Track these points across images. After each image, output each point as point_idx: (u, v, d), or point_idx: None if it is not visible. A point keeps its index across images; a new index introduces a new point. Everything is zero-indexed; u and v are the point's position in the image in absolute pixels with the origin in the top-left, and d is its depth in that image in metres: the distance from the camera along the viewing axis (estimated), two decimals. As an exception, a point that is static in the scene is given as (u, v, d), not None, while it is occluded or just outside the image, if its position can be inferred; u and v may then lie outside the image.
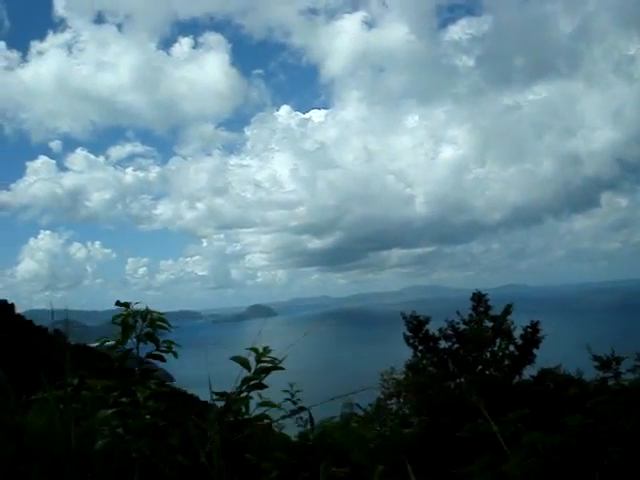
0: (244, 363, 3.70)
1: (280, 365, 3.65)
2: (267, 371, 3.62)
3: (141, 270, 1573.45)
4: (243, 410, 3.49)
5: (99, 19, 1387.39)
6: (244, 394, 3.52)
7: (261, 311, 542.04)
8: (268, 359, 3.64)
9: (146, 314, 3.94)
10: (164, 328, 4.02)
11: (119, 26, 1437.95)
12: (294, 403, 7.59)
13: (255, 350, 3.64)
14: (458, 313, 15.66)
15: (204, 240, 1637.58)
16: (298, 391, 7.36)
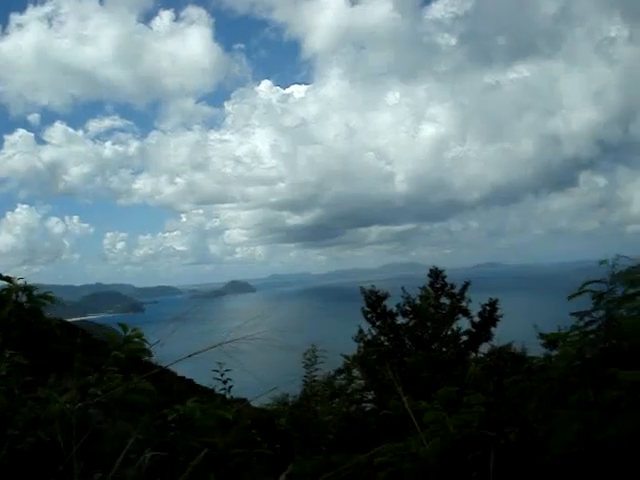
0: (112, 338, 3.52)
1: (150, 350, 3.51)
2: (132, 353, 3.46)
3: (119, 245, 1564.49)
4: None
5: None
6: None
7: (239, 287, 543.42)
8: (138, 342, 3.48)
9: (28, 289, 3.79)
10: (44, 304, 3.87)
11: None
12: (224, 382, 7.37)
13: (124, 328, 3.45)
14: (422, 288, 15.56)
15: (183, 215, 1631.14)
16: (228, 370, 7.15)
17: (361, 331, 14.10)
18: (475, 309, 16.00)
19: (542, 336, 9.65)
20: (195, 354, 3.52)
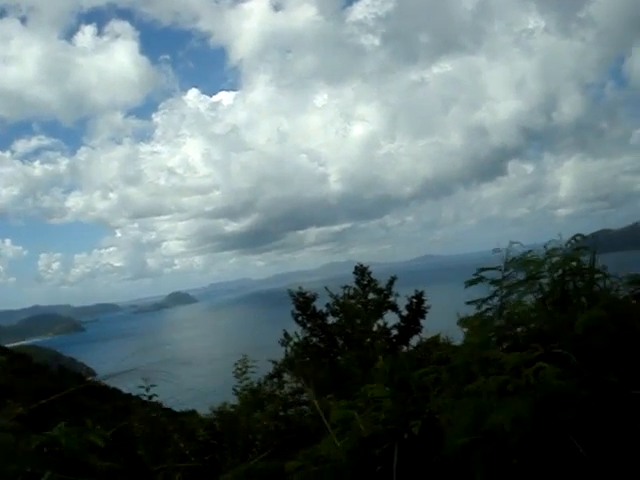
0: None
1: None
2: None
3: (55, 265, 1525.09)
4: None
5: (1, 13, 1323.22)
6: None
7: (180, 298, 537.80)
8: None
9: None
10: None
11: (22, 19, 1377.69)
12: (149, 398, 7.16)
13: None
14: (344, 288, 15.55)
15: (118, 230, 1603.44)
16: (154, 385, 6.93)
17: (286, 334, 14.02)
18: (405, 303, 16.12)
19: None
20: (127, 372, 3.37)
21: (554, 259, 4.79)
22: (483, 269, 4.53)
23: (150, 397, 7.66)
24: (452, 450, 3.49)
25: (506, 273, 4.50)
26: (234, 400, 9.78)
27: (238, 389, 9.40)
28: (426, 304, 15.99)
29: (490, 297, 4.48)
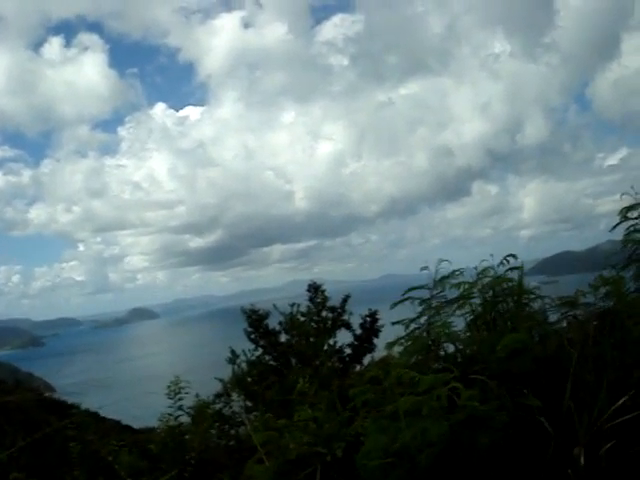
0: None
1: None
2: None
3: (15, 278, 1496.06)
4: None
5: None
6: None
7: (142, 314, 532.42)
8: None
9: None
10: None
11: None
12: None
13: None
14: (292, 305, 15.35)
15: (81, 244, 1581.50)
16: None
17: (234, 352, 13.78)
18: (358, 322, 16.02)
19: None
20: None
21: (486, 280, 4.77)
22: (412, 288, 4.48)
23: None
24: (367, 472, 3.42)
25: (434, 292, 4.46)
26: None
27: (171, 410, 9.15)
28: (380, 322, 15.87)
29: (417, 317, 4.43)
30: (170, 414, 8.44)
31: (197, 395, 10.82)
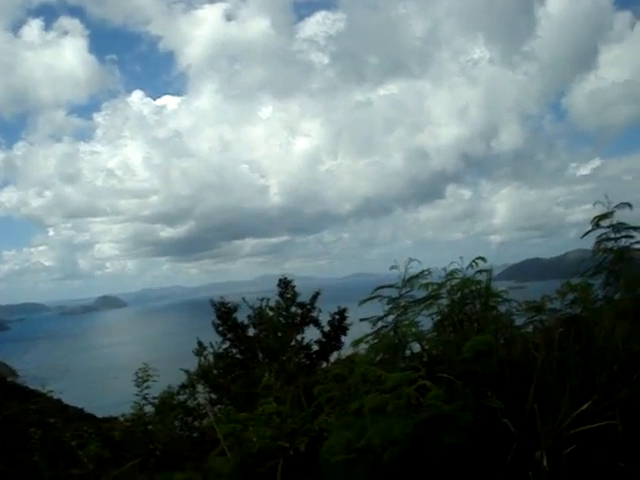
0: None
1: None
2: None
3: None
4: None
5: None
6: None
7: (110, 302, 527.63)
8: None
9: None
10: None
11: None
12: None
13: None
14: (262, 300, 15.34)
15: (51, 229, 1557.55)
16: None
17: (200, 344, 13.75)
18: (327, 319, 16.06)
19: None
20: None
21: (454, 281, 4.80)
22: (380, 287, 4.50)
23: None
24: (328, 468, 3.43)
25: (403, 291, 4.48)
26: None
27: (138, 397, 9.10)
28: (349, 320, 15.93)
29: (385, 315, 4.45)
30: (136, 402, 8.41)
31: (169, 386, 10.79)
